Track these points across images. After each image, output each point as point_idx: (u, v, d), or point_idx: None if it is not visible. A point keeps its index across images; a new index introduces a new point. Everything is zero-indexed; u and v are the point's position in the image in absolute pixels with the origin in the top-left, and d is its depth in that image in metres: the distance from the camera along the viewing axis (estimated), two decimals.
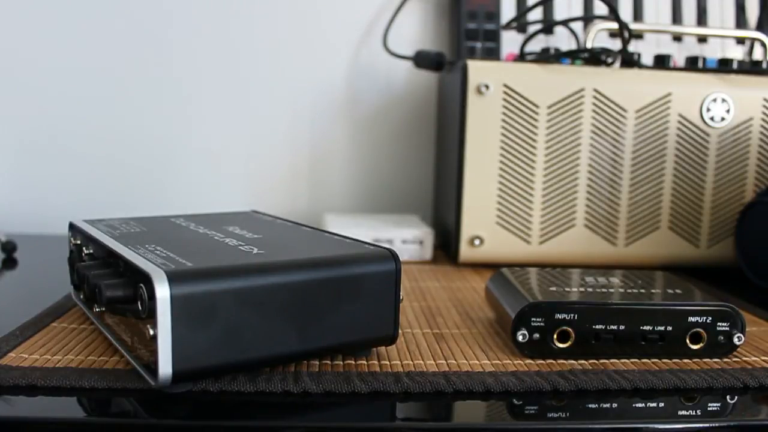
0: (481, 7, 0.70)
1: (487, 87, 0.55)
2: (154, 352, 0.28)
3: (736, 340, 0.36)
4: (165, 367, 0.28)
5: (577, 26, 0.71)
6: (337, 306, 0.32)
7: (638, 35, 0.72)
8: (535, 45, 0.70)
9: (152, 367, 0.29)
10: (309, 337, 0.32)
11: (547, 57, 0.59)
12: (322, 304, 0.32)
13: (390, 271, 0.34)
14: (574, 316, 0.35)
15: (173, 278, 0.28)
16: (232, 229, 0.40)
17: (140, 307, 0.29)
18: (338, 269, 0.32)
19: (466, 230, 0.57)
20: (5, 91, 0.71)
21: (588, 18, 0.60)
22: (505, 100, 0.56)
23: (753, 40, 0.68)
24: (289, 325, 0.31)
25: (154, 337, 0.28)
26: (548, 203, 0.57)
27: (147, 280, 0.28)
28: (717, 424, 0.30)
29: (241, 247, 0.34)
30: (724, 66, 0.61)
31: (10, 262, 0.57)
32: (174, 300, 0.28)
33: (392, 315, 0.34)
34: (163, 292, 0.28)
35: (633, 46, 0.71)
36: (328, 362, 0.34)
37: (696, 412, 0.31)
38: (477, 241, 0.57)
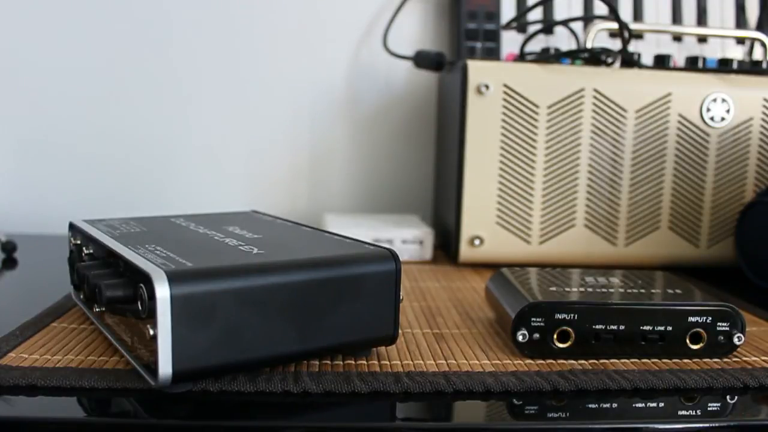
0: (481, 7, 0.70)
1: (487, 87, 0.55)
2: (154, 352, 0.28)
3: (736, 340, 0.36)
4: (165, 367, 0.28)
5: (577, 26, 0.71)
6: (337, 306, 0.32)
7: (638, 35, 0.72)
8: (535, 45, 0.70)
9: (152, 367, 0.29)
10: (309, 337, 0.32)
11: (547, 57, 0.59)
12: (322, 304, 0.32)
13: (390, 271, 0.34)
14: (574, 316, 0.35)
15: (173, 278, 0.28)
16: (232, 229, 0.40)
17: (140, 307, 0.29)
18: (338, 269, 0.32)
19: (466, 230, 0.57)
20: (5, 91, 0.71)
21: (588, 18, 0.60)
22: (505, 100, 0.56)
23: (753, 40, 0.68)
24: (289, 325, 0.31)
25: (154, 337, 0.28)
26: (548, 203, 0.57)
27: (147, 280, 0.28)
28: (717, 424, 0.30)
29: (241, 247, 0.34)
30: (724, 66, 0.61)
31: (10, 262, 0.57)
32: (174, 300, 0.28)
33: (392, 315, 0.34)
34: (163, 292, 0.28)
35: (633, 46, 0.71)
36: (328, 362, 0.34)
37: (696, 412, 0.31)
38: (477, 241, 0.57)
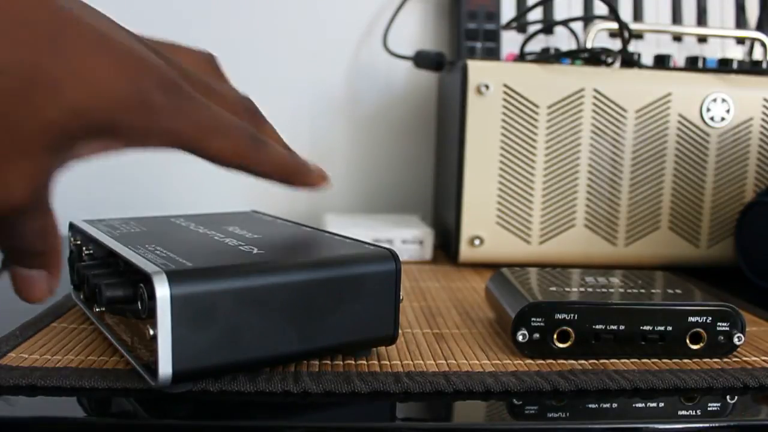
0: (481, 7, 0.70)
1: (487, 87, 0.55)
2: (154, 352, 0.28)
3: (736, 340, 0.36)
4: (165, 367, 0.28)
5: (577, 26, 0.71)
6: (337, 306, 0.32)
7: (638, 35, 0.72)
8: (535, 45, 0.70)
9: (152, 367, 0.29)
10: (309, 337, 0.32)
11: (547, 57, 0.59)
12: (323, 304, 0.32)
13: (390, 271, 0.34)
14: (574, 316, 0.35)
15: (173, 278, 0.28)
16: (232, 229, 0.40)
17: (140, 307, 0.29)
18: (338, 269, 0.32)
19: (466, 230, 0.57)
20: None
21: (588, 18, 0.60)
22: (505, 100, 0.56)
23: (753, 40, 0.68)
24: (290, 325, 0.31)
25: (154, 337, 0.28)
26: (548, 203, 0.57)
27: (147, 280, 0.28)
28: (717, 424, 0.30)
29: (241, 247, 0.34)
30: (724, 66, 0.61)
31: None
32: (174, 300, 0.28)
33: (392, 315, 0.34)
34: (163, 291, 0.28)
35: (633, 46, 0.71)
36: (328, 362, 0.34)
37: (696, 412, 0.31)
38: (477, 241, 0.57)
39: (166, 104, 0.27)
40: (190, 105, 0.28)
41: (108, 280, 0.31)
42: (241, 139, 0.30)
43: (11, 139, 0.24)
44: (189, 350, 0.29)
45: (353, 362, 0.34)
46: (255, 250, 0.33)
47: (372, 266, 0.33)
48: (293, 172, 0.33)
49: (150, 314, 0.28)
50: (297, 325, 0.31)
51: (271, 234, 0.38)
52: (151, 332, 0.28)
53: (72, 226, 0.42)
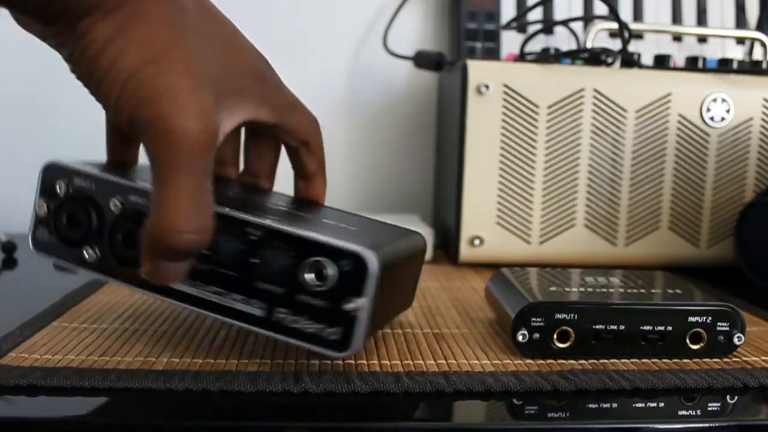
0: (481, 7, 0.70)
1: (487, 87, 0.55)
2: (349, 326, 0.30)
3: (736, 340, 0.36)
4: (358, 340, 0.30)
5: (577, 26, 0.71)
6: (405, 279, 0.38)
7: (638, 35, 0.72)
8: (535, 45, 0.70)
9: (336, 339, 0.30)
10: (390, 310, 0.37)
11: (547, 57, 0.59)
12: (402, 277, 0.37)
13: (424, 249, 0.40)
14: (574, 316, 0.35)
15: (379, 256, 0.30)
16: (282, 203, 0.41)
17: (317, 281, 0.30)
18: (412, 247, 0.37)
19: (466, 230, 0.57)
20: (5, 90, 0.71)
21: (588, 18, 0.60)
22: (505, 100, 0.56)
23: (753, 40, 0.68)
24: (396, 297, 0.36)
25: (354, 311, 0.30)
26: (548, 203, 0.57)
27: (349, 257, 0.30)
28: (717, 424, 0.30)
29: (331, 222, 0.36)
30: (724, 66, 0.61)
31: (10, 262, 0.57)
32: (380, 276, 0.30)
33: (414, 286, 0.40)
34: (374, 269, 0.29)
35: (633, 46, 0.71)
36: (328, 362, 0.34)
37: (696, 412, 0.31)
38: (477, 241, 0.57)
39: (272, 80, 0.37)
40: (280, 89, 0.38)
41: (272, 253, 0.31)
42: (311, 121, 0.41)
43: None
44: (370, 320, 0.30)
45: (353, 362, 0.34)
46: (350, 227, 0.36)
47: (421, 245, 0.39)
48: (323, 173, 0.44)
49: (343, 289, 0.30)
50: (394, 298, 0.36)
51: (324, 213, 0.42)
52: (348, 306, 0.30)
53: (58, 168, 0.33)
